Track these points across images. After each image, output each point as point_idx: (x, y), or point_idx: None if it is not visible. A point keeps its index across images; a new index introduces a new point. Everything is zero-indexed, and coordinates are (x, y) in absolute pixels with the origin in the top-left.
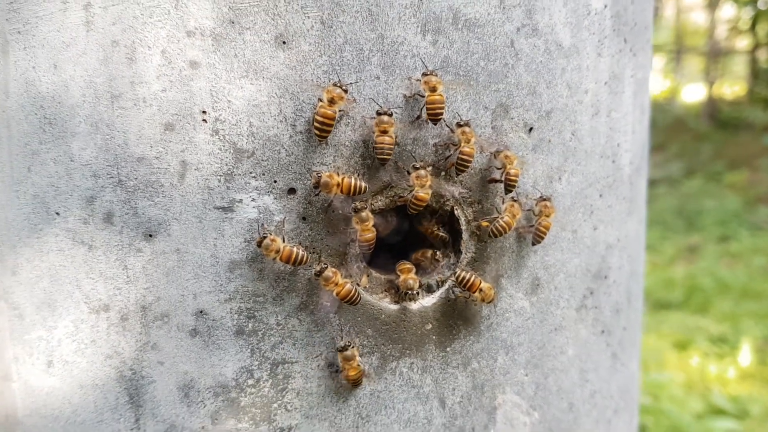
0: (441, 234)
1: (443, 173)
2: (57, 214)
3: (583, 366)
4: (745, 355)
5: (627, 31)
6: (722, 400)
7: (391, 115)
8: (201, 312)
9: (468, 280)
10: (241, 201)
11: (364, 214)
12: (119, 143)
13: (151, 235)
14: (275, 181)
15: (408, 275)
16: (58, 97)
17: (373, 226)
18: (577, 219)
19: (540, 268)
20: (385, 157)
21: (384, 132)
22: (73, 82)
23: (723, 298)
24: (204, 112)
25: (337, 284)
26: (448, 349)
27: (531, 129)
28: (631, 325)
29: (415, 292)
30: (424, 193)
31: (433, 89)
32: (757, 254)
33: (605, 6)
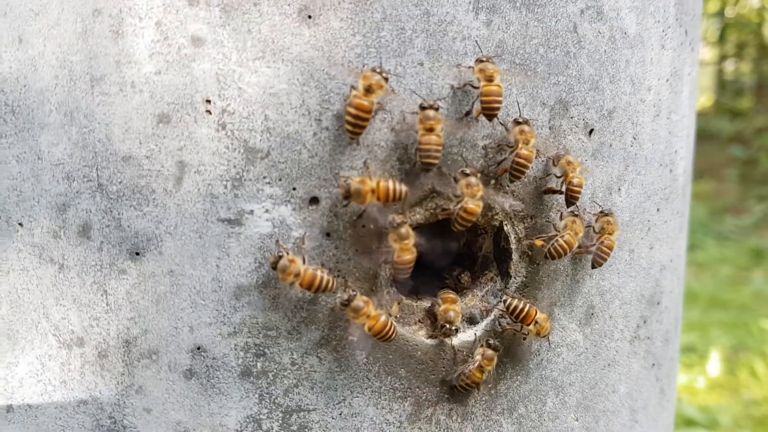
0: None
1: (492, 182)
2: (20, 225)
3: (633, 405)
4: (714, 365)
5: (688, 22)
6: (692, 410)
7: (437, 109)
8: (199, 348)
9: (522, 310)
10: (251, 212)
11: (403, 230)
12: (100, 138)
13: (138, 253)
14: (294, 189)
15: (450, 306)
16: (23, 78)
17: (414, 245)
18: (635, 237)
19: (595, 294)
20: (432, 161)
21: (430, 130)
22: (43, 60)
23: (691, 307)
24: (208, 101)
25: (369, 316)
26: (492, 391)
27: (592, 131)
28: (676, 355)
29: (453, 328)
30: (475, 205)
31: (490, 79)
32: (723, 264)
33: None
